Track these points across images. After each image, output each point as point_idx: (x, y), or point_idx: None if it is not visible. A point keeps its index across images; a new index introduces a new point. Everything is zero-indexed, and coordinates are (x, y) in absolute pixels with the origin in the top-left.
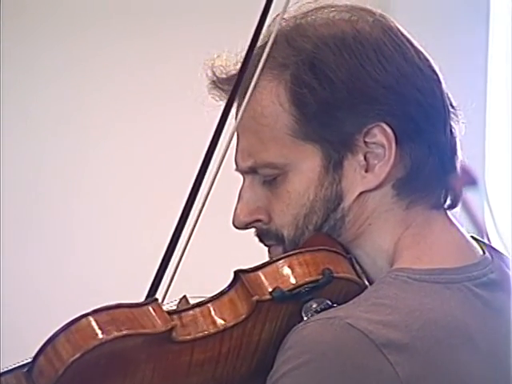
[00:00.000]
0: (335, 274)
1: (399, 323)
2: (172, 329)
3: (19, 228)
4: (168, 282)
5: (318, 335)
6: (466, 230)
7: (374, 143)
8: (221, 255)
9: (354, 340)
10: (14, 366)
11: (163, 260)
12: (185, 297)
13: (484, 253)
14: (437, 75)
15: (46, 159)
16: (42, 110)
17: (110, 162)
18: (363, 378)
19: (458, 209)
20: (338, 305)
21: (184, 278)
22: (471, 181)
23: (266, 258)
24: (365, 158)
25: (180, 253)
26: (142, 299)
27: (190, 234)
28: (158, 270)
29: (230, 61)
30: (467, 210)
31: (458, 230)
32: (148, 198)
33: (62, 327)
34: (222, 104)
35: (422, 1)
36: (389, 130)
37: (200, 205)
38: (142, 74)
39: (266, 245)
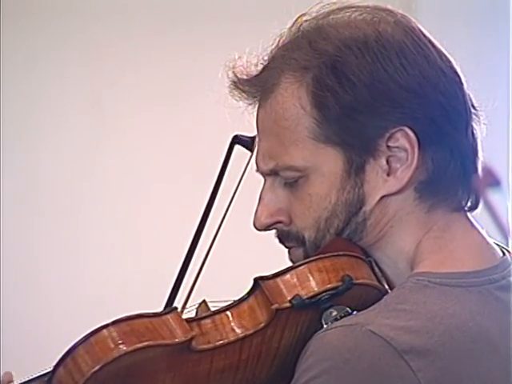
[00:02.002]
0: (355, 281)
1: (421, 329)
2: (192, 338)
3: (21, 229)
4: (189, 288)
5: (340, 342)
6: (490, 232)
7: (396, 147)
8: (241, 257)
9: (375, 347)
10: (33, 376)
11: (182, 267)
12: (204, 301)
13: (504, 254)
14: (459, 77)
15: (50, 161)
16: (45, 111)
17: (122, 165)
18: None
19: (479, 210)
20: (358, 311)
21: (203, 281)
22: (495, 182)
23: (286, 260)
24: (387, 162)
25: (201, 260)
26: (149, 303)
27: (211, 242)
28: (178, 278)
29: (251, 62)
30: (491, 211)
31: (479, 232)
32: (165, 204)
33: (82, 338)
34: (243, 106)
35: (443, 2)
36: (411, 134)
37: (222, 213)
38: (149, 74)
39: (286, 246)
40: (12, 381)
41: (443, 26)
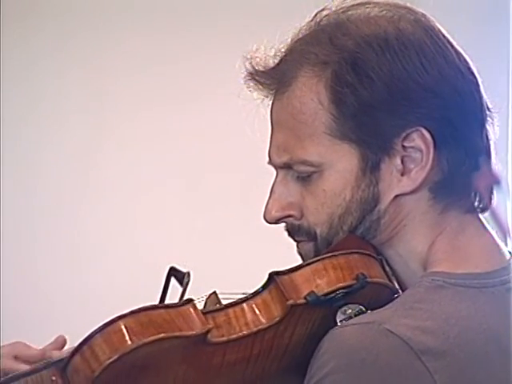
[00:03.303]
0: (369, 279)
1: (437, 330)
2: (208, 331)
3: (21, 229)
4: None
5: (356, 340)
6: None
7: (412, 147)
8: (252, 251)
9: (392, 346)
10: (48, 362)
11: None
12: (214, 292)
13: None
14: (475, 78)
15: (50, 161)
16: (45, 110)
17: (122, 165)
18: None
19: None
20: (371, 309)
21: (213, 274)
22: (495, 181)
23: (295, 254)
24: (402, 162)
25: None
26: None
27: None
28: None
29: (269, 54)
30: (491, 211)
31: (490, 233)
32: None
33: (99, 328)
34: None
35: (443, 2)
36: (427, 136)
37: None
38: (149, 74)
39: (295, 240)
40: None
41: (443, 25)
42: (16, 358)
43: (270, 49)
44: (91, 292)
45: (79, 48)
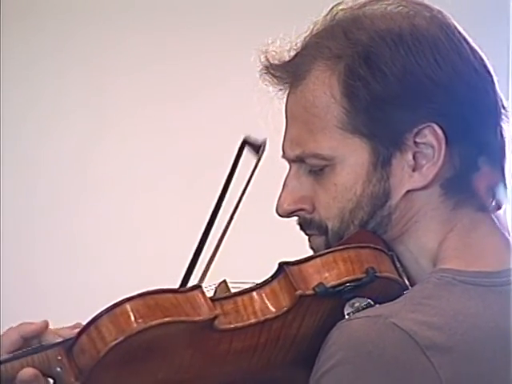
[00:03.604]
0: (378, 274)
1: (444, 326)
2: (215, 317)
3: (21, 228)
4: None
5: (363, 333)
6: None
7: (423, 143)
8: (262, 242)
9: (398, 340)
10: (55, 342)
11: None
12: (224, 281)
13: None
14: (491, 75)
15: (50, 160)
16: (45, 110)
17: (122, 164)
18: (406, 379)
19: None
20: (379, 303)
21: (224, 262)
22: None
23: (307, 247)
24: (413, 158)
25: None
26: None
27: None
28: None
29: (284, 47)
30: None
31: (501, 232)
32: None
33: (106, 309)
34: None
35: (443, 2)
36: (439, 132)
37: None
38: (149, 74)
39: (306, 234)
40: (47, 327)
41: None
42: (22, 337)
43: (285, 43)
44: (91, 291)
45: (79, 47)
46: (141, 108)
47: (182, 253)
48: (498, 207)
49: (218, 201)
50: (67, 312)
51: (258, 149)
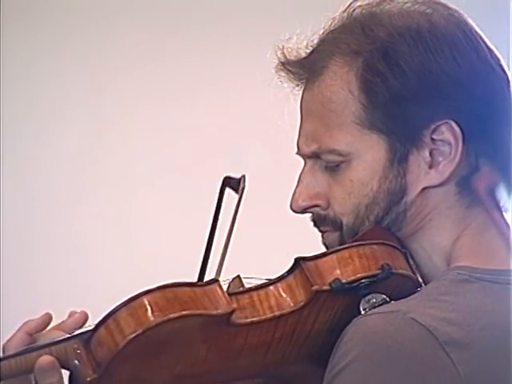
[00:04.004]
0: (394, 270)
1: (462, 322)
2: (233, 312)
3: (20, 228)
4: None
5: (381, 328)
6: None
7: (440, 140)
8: (277, 238)
9: (417, 335)
10: (72, 334)
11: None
12: (238, 276)
13: None
14: (506, 75)
15: (50, 160)
16: (45, 110)
17: (122, 164)
18: (425, 374)
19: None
20: (394, 300)
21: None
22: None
23: (319, 243)
24: (430, 155)
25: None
26: None
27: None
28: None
29: (301, 44)
30: None
31: (509, 232)
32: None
33: (125, 302)
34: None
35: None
36: (457, 129)
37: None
38: (149, 73)
39: (320, 230)
40: (51, 322)
41: None
42: (27, 333)
43: (301, 40)
44: (92, 291)
45: (78, 46)
46: (140, 108)
47: (184, 252)
48: (506, 209)
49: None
50: (67, 312)
51: (237, 186)
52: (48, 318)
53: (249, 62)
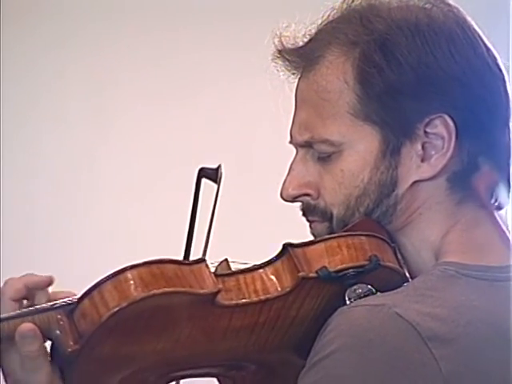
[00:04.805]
0: (381, 262)
1: (446, 317)
2: (218, 292)
3: (22, 229)
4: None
5: (366, 321)
6: None
7: (434, 134)
8: (264, 225)
9: (400, 330)
10: (56, 304)
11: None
12: (226, 260)
13: None
14: (503, 74)
15: (50, 160)
16: (45, 110)
17: (122, 164)
18: (406, 370)
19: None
20: (381, 292)
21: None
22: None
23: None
24: (422, 148)
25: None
26: None
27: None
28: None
29: (299, 32)
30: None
31: (503, 230)
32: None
33: (110, 275)
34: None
35: None
36: (451, 123)
37: None
38: (149, 73)
39: (308, 220)
40: (51, 284)
41: None
42: (26, 286)
43: (299, 28)
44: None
45: (79, 46)
46: (141, 107)
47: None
48: (500, 207)
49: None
50: None
51: (215, 176)
52: (50, 279)
53: (249, 62)
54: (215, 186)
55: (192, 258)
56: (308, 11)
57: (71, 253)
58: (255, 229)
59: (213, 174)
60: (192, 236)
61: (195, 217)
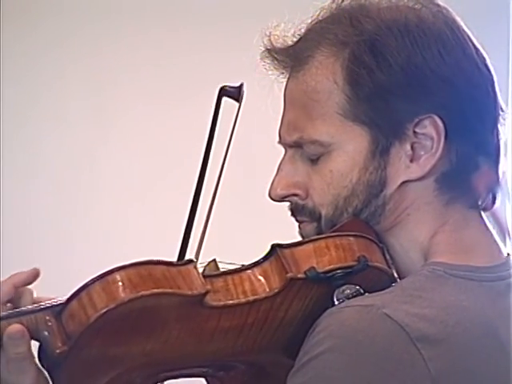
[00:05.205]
0: (370, 263)
1: (435, 318)
2: (206, 293)
3: (22, 229)
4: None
5: (354, 322)
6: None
7: (423, 134)
8: (253, 225)
9: (389, 331)
10: (45, 306)
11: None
12: (214, 260)
13: (508, 254)
14: (492, 75)
15: (50, 159)
16: (45, 110)
17: (122, 164)
18: (395, 371)
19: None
20: (368, 293)
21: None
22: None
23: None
24: (411, 148)
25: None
26: None
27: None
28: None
29: (288, 31)
30: (491, 210)
31: (490, 231)
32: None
33: (98, 276)
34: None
35: (443, 3)
36: (440, 123)
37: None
38: (149, 73)
39: (297, 220)
40: (38, 276)
41: None
42: (14, 286)
43: (289, 28)
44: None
45: (79, 45)
46: (141, 107)
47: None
48: (488, 208)
49: (205, 157)
50: None
51: (237, 95)
52: (36, 273)
53: (249, 62)
54: (236, 104)
55: (190, 254)
56: (297, 11)
57: (71, 253)
58: (245, 229)
59: (235, 93)
60: (194, 218)
61: (212, 138)
